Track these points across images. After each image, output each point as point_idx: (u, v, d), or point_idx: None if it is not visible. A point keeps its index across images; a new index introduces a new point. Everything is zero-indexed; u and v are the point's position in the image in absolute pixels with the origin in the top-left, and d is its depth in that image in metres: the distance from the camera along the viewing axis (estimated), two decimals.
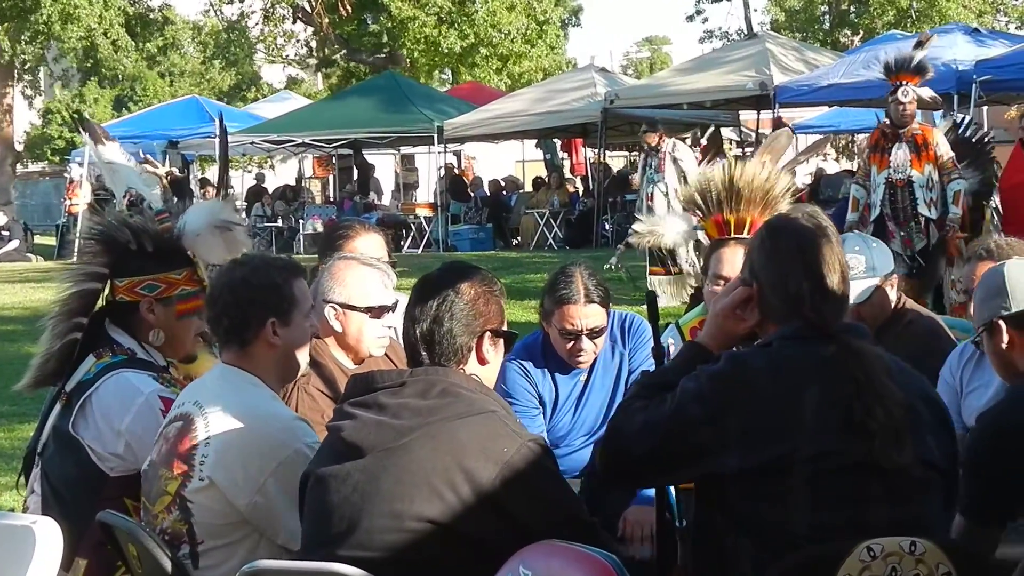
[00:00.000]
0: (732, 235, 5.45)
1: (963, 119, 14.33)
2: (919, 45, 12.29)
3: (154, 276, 4.67)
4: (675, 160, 14.95)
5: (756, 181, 5.41)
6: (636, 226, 6.14)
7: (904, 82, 11.77)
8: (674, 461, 3.52)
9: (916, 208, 11.73)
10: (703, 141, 18.40)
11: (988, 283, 4.24)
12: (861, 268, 5.67)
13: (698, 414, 3.46)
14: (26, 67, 44.23)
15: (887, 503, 3.38)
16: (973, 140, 13.23)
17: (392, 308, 5.00)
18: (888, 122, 12.01)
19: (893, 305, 5.87)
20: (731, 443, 3.40)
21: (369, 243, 5.69)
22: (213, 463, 3.95)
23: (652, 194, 15.21)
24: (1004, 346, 4.14)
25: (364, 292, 4.96)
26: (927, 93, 12.01)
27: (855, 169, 15.28)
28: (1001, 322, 4.12)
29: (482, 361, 3.69)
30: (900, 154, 11.79)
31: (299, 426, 4.06)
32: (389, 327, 5.01)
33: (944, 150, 11.83)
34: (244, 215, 27.71)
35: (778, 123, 19.56)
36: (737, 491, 3.41)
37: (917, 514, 3.40)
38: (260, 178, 36.36)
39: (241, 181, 37.98)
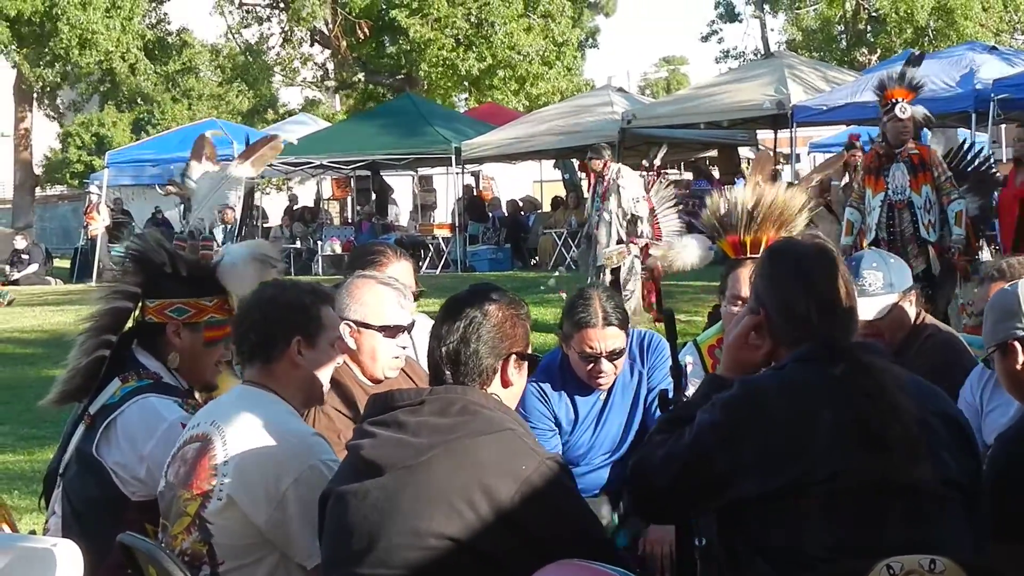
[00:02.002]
0: (748, 255, 5.46)
1: (967, 144, 14.18)
2: (913, 62, 12.06)
3: (184, 300, 4.70)
4: (619, 188, 14.76)
5: (772, 201, 5.43)
6: (652, 249, 6.15)
7: (899, 99, 11.42)
8: (695, 492, 3.53)
9: (917, 231, 11.39)
10: (656, 162, 18.21)
11: (1001, 304, 4.20)
12: (879, 284, 5.66)
13: (714, 443, 3.47)
14: (45, 91, 44.39)
15: (905, 523, 3.36)
16: (974, 166, 13.08)
17: (408, 329, 5.01)
18: (884, 142, 11.67)
19: (912, 320, 5.85)
20: (748, 469, 3.40)
21: (400, 271, 5.69)
22: (232, 481, 3.96)
23: (597, 223, 15.09)
24: (1019, 367, 4.11)
25: (380, 311, 4.96)
26: (920, 111, 11.68)
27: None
28: (1016, 343, 4.10)
29: (506, 383, 3.70)
30: (899, 175, 11.44)
31: (316, 442, 4.06)
32: (404, 347, 5.02)
33: (941, 170, 11.52)
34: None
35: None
36: (755, 514, 3.41)
37: (935, 534, 3.38)
38: (293, 199, 36.37)
39: (261, 201, 38.08)
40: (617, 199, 14.58)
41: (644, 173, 17.83)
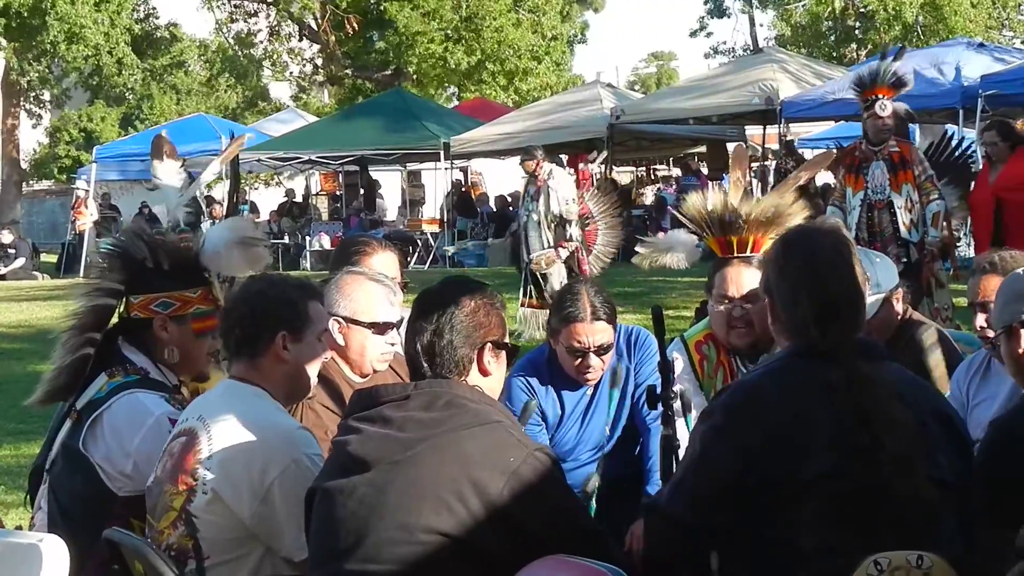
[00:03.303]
0: (736, 254, 5.47)
1: (950, 134, 14.06)
2: (896, 57, 11.87)
3: (169, 294, 4.68)
4: (549, 189, 14.60)
5: (760, 203, 5.44)
6: (639, 247, 6.15)
7: (880, 96, 11.13)
8: (713, 502, 3.46)
9: (897, 231, 11.07)
10: (593, 167, 17.98)
11: (1011, 288, 4.23)
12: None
13: (720, 444, 3.47)
14: (31, 85, 44.30)
15: (898, 526, 3.36)
16: (953, 158, 12.94)
17: (397, 325, 5.00)
18: (864, 140, 11.39)
19: (900, 317, 5.87)
20: (754, 467, 3.38)
21: (384, 261, 5.69)
22: (217, 476, 3.96)
23: (526, 223, 14.92)
24: (1022, 351, 4.14)
25: (369, 307, 4.97)
26: (902, 107, 11.51)
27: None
28: (1021, 327, 4.13)
29: (484, 372, 3.70)
30: (878, 173, 11.15)
31: (302, 436, 4.07)
32: (392, 344, 5.02)
33: (922, 168, 11.24)
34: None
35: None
36: (748, 509, 3.40)
37: (928, 536, 3.38)
38: (290, 194, 36.25)
39: (252, 195, 38.04)
40: (547, 201, 14.46)
41: (572, 170, 17.74)
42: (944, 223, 11.21)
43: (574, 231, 14.20)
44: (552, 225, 14.40)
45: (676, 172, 34.31)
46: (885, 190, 11.15)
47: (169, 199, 5.73)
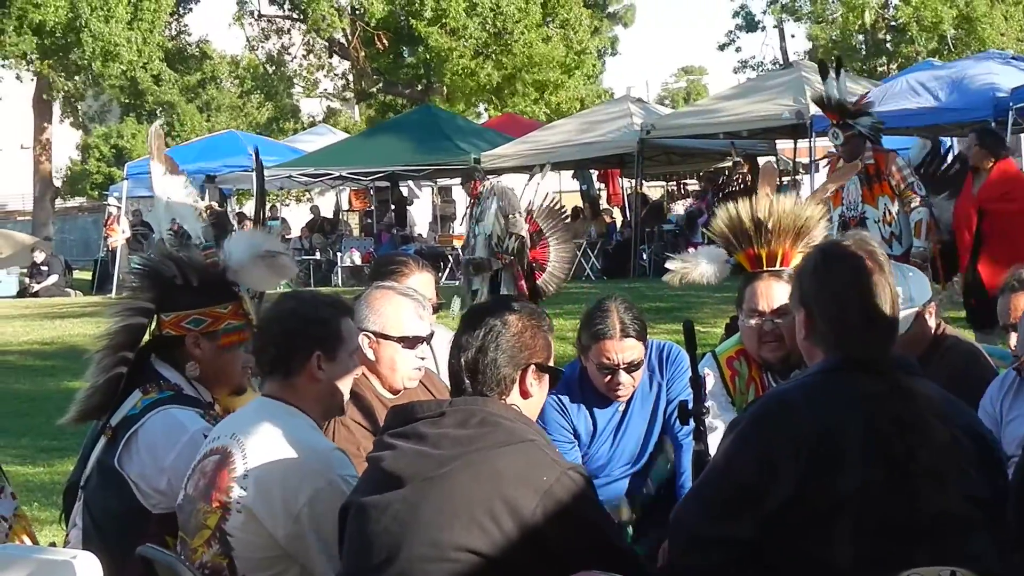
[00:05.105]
0: (765, 268, 5.46)
1: (947, 147, 13.84)
2: (826, 74, 11.55)
3: (200, 310, 4.70)
4: (487, 205, 14.35)
5: (785, 215, 5.43)
6: (669, 263, 6.14)
7: (835, 122, 11.08)
8: (732, 512, 3.43)
9: None
10: (540, 181, 17.83)
11: None
12: (900, 299, 5.64)
13: (746, 454, 3.45)
14: (69, 101, 44.55)
15: (930, 540, 3.34)
16: (953, 171, 12.79)
17: (427, 339, 5.01)
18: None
19: (933, 331, 5.84)
20: (779, 480, 3.36)
21: (421, 282, 5.70)
22: (252, 495, 3.96)
23: (475, 245, 14.60)
24: None
25: (399, 322, 4.98)
26: (866, 123, 11.19)
27: None
28: None
29: (525, 394, 3.69)
30: (852, 189, 11.07)
31: (336, 457, 4.07)
32: (423, 358, 5.02)
33: (900, 177, 11.12)
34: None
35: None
36: (780, 524, 3.38)
37: (961, 551, 3.36)
38: (316, 211, 36.34)
39: (283, 211, 38.10)
40: (488, 216, 14.26)
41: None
42: (928, 232, 11.05)
43: (511, 243, 13.99)
44: (496, 239, 14.24)
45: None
46: (858, 207, 11.03)
47: (181, 212, 5.71)
